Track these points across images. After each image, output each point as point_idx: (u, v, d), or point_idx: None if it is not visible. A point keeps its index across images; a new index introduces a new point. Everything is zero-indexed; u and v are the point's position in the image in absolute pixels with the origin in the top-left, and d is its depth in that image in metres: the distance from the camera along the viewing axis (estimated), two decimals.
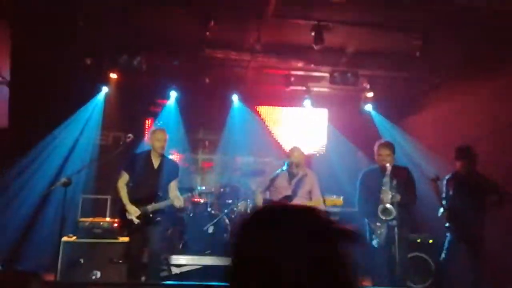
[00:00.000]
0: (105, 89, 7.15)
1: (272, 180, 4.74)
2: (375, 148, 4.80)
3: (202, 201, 6.49)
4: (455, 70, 6.05)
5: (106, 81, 6.97)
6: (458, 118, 6.16)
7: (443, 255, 4.90)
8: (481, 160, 4.83)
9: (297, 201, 4.66)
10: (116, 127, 7.26)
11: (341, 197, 4.69)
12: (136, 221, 4.59)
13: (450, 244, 4.83)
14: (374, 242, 4.55)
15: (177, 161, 5.66)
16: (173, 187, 4.78)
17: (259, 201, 4.80)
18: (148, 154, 4.81)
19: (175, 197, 4.66)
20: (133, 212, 4.60)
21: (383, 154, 4.67)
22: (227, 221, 6.18)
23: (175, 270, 5.62)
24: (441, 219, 4.92)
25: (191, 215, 6.29)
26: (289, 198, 4.65)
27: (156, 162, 4.79)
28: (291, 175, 4.73)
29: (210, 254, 5.94)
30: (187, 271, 5.70)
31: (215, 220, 5.67)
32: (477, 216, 4.65)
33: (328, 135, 8.10)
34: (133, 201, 4.66)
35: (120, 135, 7.15)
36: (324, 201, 4.55)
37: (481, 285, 4.41)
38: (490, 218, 4.64)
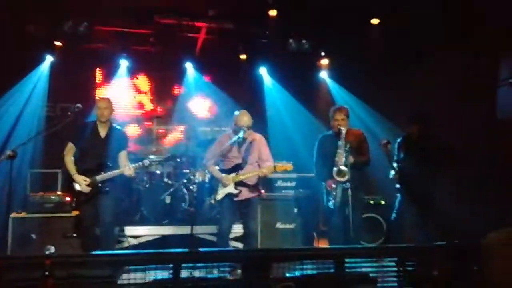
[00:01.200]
0: (49, 58, 6.75)
1: (222, 150, 4.69)
2: (330, 113, 4.89)
3: (158, 172, 6.41)
4: (410, 40, 6.19)
5: (50, 49, 6.56)
6: (411, 86, 6.35)
7: (393, 215, 5.14)
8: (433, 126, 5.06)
9: (248, 168, 4.66)
10: (63, 98, 6.90)
11: (291, 163, 4.74)
12: (86, 189, 4.48)
13: (400, 204, 5.06)
14: (330, 204, 4.69)
15: (126, 131, 5.42)
16: (122, 156, 4.69)
17: (216, 172, 4.74)
18: (94, 123, 4.70)
19: (125, 166, 4.58)
20: (81, 182, 4.49)
21: (338, 119, 4.76)
22: (184, 190, 6.16)
23: (132, 241, 5.57)
24: (392, 181, 5.12)
25: (147, 186, 6.20)
26: (239, 166, 4.66)
27: (103, 132, 4.68)
28: (240, 143, 4.66)
29: (168, 224, 5.93)
30: (145, 241, 5.68)
31: (171, 190, 5.61)
32: (427, 177, 4.88)
33: (283, 102, 8.13)
34: (81, 172, 4.54)
35: (68, 106, 6.82)
36: (274, 167, 4.56)
37: (430, 241, 4.68)
38: (440, 178, 4.89)
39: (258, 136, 4.80)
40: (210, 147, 5.00)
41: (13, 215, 4.97)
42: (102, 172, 4.54)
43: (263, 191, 6.05)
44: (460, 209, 4.78)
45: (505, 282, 3.31)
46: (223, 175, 4.65)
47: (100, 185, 4.53)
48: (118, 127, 4.86)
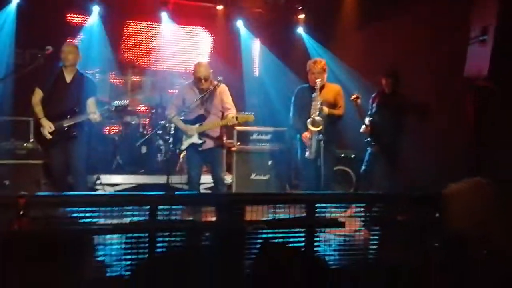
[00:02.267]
0: (16, 0, 6.42)
1: (184, 101, 4.70)
2: (308, 66, 4.92)
3: (133, 122, 6.39)
4: None
5: None
6: (384, 42, 6.41)
7: (363, 167, 5.36)
8: (406, 82, 5.18)
9: (212, 118, 4.69)
10: (32, 44, 6.63)
11: (252, 113, 4.84)
12: (49, 136, 4.47)
13: (370, 156, 5.27)
14: (307, 155, 4.82)
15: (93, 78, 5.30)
16: (91, 103, 4.64)
17: (179, 123, 4.74)
18: (60, 69, 4.65)
19: (92, 112, 4.56)
20: (46, 126, 4.47)
21: (314, 72, 4.81)
22: (160, 141, 6.18)
23: (108, 189, 5.62)
24: (363, 134, 5.29)
25: (122, 135, 6.19)
26: (202, 117, 4.70)
27: (68, 77, 4.64)
28: (201, 93, 4.64)
29: (144, 173, 5.99)
30: (121, 190, 5.74)
31: (145, 138, 5.63)
32: (396, 130, 5.08)
33: (260, 59, 8.10)
34: (48, 118, 4.52)
35: (37, 52, 6.58)
36: (236, 118, 4.58)
37: (396, 191, 4.93)
38: (408, 133, 5.08)
39: (221, 87, 4.73)
40: (172, 98, 4.96)
41: None
42: (68, 117, 4.51)
43: (234, 141, 6.17)
44: (425, 162, 5.01)
45: (461, 229, 3.56)
46: (186, 126, 4.68)
47: (66, 129, 4.50)
48: (85, 73, 4.79)
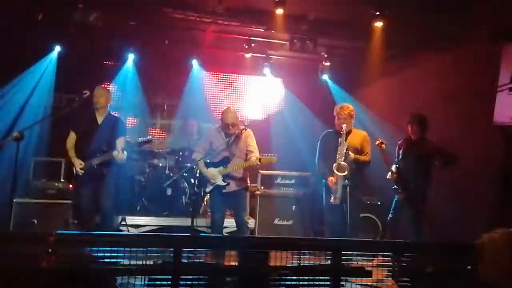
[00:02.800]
0: (57, 48, 6.83)
1: (211, 144, 4.85)
2: (335, 111, 4.98)
3: (160, 164, 6.51)
4: (410, 43, 6.29)
5: (58, 38, 6.64)
6: (410, 90, 6.45)
7: (390, 215, 5.22)
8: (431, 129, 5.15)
9: (235, 161, 4.80)
10: (70, 89, 6.97)
11: (276, 155, 4.94)
12: (80, 172, 4.68)
13: (396, 204, 5.15)
14: (331, 200, 4.78)
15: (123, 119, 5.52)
16: (119, 142, 4.82)
17: (202, 168, 4.86)
18: (92, 112, 4.90)
19: (117, 150, 4.71)
20: (77, 164, 4.71)
21: (341, 118, 4.85)
22: (185, 184, 6.24)
23: (133, 231, 5.65)
24: (389, 181, 5.21)
25: (149, 177, 6.29)
26: (227, 159, 4.81)
27: (100, 118, 4.88)
28: (227, 137, 4.81)
29: (168, 216, 6.02)
30: (145, 231, 5.76)
31: (172, 180, 5.71)
32: (422, 178, 4.98)
33: (285, 103, 8.24)
34: (79, 157, 4.77)
35: (74, 97, 6.90)
36: (260, 160, 4.65)
37: (423, 240, 4.77)
38: (435, 179, 4.97)
39: (247, 131, 4.90)
40: (200, 142, 5.12)
41: (16, 199, 5.04)
42: (97, 156, 4.70)
43: (258, 185, 6.17)
44: (454, 211, 4.86)
45: (497, 282, 3.39)
46: (210, 170, 4.80)
47: (95, 169, 4.68)
48: (115, 114, 5.03)
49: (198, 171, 5.05)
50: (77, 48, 6.82)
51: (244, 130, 4.84)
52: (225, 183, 4.74)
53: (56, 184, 5.39)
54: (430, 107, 5.49)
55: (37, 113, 6.69)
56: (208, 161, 4.88)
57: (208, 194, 4.96)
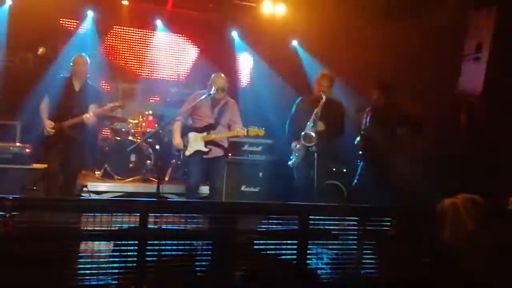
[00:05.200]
0: (8, 2, 6.32)
1: (195, 108, 4.77)
2: (317, 77, 4.94)
3: (123, 129, 6.30)
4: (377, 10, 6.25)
5: None
6: (376, 57, 6.46)
7: (355, 181, 5.32)
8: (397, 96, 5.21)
9: (219, 130, 4.79)
10: (23, 46, 6.53)
11: (263, 128, 4.86)
12: (51, 131, 4.65)
13: (362, 170, 5.25)
14: (290, 163, 4.84)
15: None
16: (92, 108, 4.80)
17: (176, 132, 4.81)
18: (69, 78, 4.86)
19: (89, 114, 4.72)
20: (48, 124, 4.67)
21: (323, 84, 4.82)
22: (150, 150, 6.09)
23: (95, 197, 5.48)
24: (355, 149, 5.28)
25: (112, 142, 6.09)
26: (211, 126, 4.78)
27: (77, 86, 4.85)
28: (213, 104, 4.79)
29: (133, 181, 5.88)
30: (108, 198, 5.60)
31: (133, 146, 5.57)
32: (387, 143, 5.06)
33: (254, 69, 8.10)
34: (51, 120, 4.73)
35: (28, 56, 6.49)
36: (247, 131, 4.67)
37: (388, 204, 4.91)
38: (401, 145, 5.08)
39: (232, 101, 4.95)
40: (183, 106, 4.99)
41: None
42: (68, 118, 4.69)
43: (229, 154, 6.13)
44: (417, 176, 5.01)
45: (453, 245, 3.55)
46: (178, 137, 4.76)
47: (66, 132, 4.66)
48: (91, 83, 5.00)
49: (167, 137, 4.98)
50: (29, 2, 6.34)
51: (229, 101, 4.88)
52: (207, 149, 4.72)
53: (11, 148, 5.11)
54: (396, 74, 5.53)
55: None
56: (190, 124, 4.86)
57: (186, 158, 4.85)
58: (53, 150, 4.70)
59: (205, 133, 4.74)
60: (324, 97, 4.71)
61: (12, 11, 6.40)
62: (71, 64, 4.85)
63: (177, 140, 4.75)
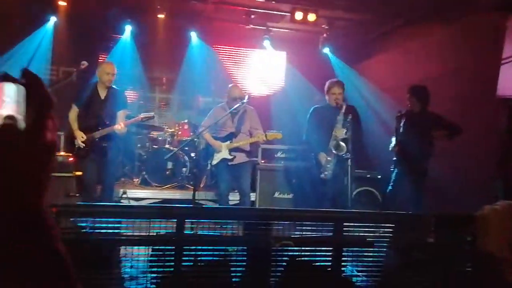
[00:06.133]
0: (53, 19, 6.68)
1: (218, 121, 5.06)
2: (327, 86, 4.95)
3: (160, 138, 6.49)
4: (410, 15, 6.18)
5: (54, 9, 6.49)
6: (413, 62, 6.37)
7: (389, 187, 5.23)
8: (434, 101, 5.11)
9: (241, 137, 5.09)
10: (66, 61, 6.87)
11: (281, 132, 5.09)
12: (82, 145, 4.71)
13: (396, 176, 5.16)
14: (323, 175, 4.80)
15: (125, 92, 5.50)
16: (120, 116, 4.86)
17: (210, 139, 5.12)
18: (95, 85, 4.87)
19: (119, 123, 4.75)
20: (80, 137, 4.74)
21: (336, 93, 4.83)
22: (186, 157, 6.24)
23: (134, 204, 5.66)
24: (389, 155, 5.21)
25: (149, 151, 6.27)
26: (233, 135, 5.09)
27: (103, 93, 4.87)
28: (233, 113, 5.06)
29: (169, 188, 6.03)
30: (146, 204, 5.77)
31: (171, 153, 5.72)
32: (423, 149, 4.97)
33: (286, 77, 8.16)
34: (81, 130, 4.80)
35: (71, 70, 6.80)
36: (266, 135, 4.93)
37: (423, 212, 4.80)
38: (438, 152, 4.97)
39: (250, 108, 5.21)
40: (205, 120, 5.28)
41: None
42: (99, 129, 4.73)
43: (259, 159, 6.20)
44: (455, 183, 4.88)
45: (496, 254, 3.43)
46: (216, 141, 5.08)
47: (97, 142, 4.72)
48: (117, 88, 4.98)
49: (202, 144, 5.13)
50: (72, 19, 6.67)
51: (248, 108, 5.12)
52: (232, 156, 4.99)
53: (56, 157, 5.36)
54: (433, 80, 5.44)
55: None
56: (213, 135, 5.13)
57: (213, 167, 5.21)
58: (87, 161, 4.76)
59: (228, 142, 5.04)
60: (343, 104, 4.76)
61: (57, 28, 6.74)
62: (98, 71, 4.86)
63: (217, 144, 5.04)
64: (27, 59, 6.68)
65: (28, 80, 0.52)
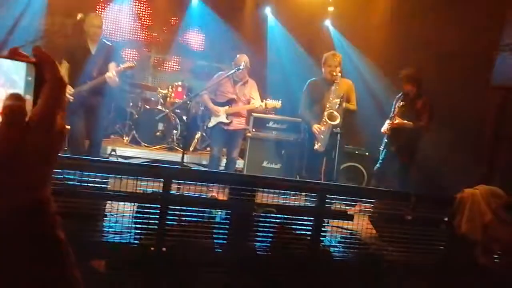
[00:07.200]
0: None
1: (219, 85, 5.16)
2: (324, 58, 4.91)
3: (153, 98, 6.46)
4: None
5: None
6: (410, 44, 6.33)
7: (377, 165, 5.32)
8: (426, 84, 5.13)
9: (239, 104, 5.21)
10: (63, 12, 6.70)
11: (280, 101, 5.23)
12: (70, 98, 4.53)
13: (386, 155, 5.23)
14: (316, 147, 4.85)
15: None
16: (111, 68, 4.70)
17: (209, 102, 5.18)
18: (84, 40, 4.72)
19: (111, 73, 4.61)
20: (67, 90, 4.57)
21: (332, 65, 4.80)
22: (177, 120, 6.24)
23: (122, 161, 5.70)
24: (380, 135, 5.26)
25: (141, 110, 6.26)
26: (233, 101, 5.18)
27: (92, 48, 4.72)
28: (235, 81, 5.17)
29: (158, 149, 6.06)
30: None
31: (162, 114, 5.71)
32: (413, 133, 5.04)
33: (284, 48, 8.06)
34: (70, 85, 4.60)
35: (67, 21, 6.66)
36: (265, 104, 5.11)
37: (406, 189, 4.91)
38: (429, 135, 5.04)
39: (252, 81, 5.28)
40: (208, 83, 5.35)
41: None
42: (87, 82, 4.62)
43: (250, 127, 6.22)
44: (442, 166, 4.98)
45: (469, 236, 3.56)
46: (215, 106, 5.16)
47: (85, 95, 4.62)
48: (108, 43, 4.88)
49: (194, 109, 5.16)
50: None
51: (250, 80, 5.24)
52: (229, 121, 5.11)
53: None
54: (429, 62, 5.43)
55: (28, 38, 6.45)
56: (212, 99, 5.20)
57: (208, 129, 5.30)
58: (76, 116, 4.63)
59: (227, 107, 5.12)
60: (338, 75, 4.73)
61: None
62: (85, 24, 4.68)
63: (215, 108, 5.12)
64: (21, 8, 6.49)
65: (40, 60, 0.52)
